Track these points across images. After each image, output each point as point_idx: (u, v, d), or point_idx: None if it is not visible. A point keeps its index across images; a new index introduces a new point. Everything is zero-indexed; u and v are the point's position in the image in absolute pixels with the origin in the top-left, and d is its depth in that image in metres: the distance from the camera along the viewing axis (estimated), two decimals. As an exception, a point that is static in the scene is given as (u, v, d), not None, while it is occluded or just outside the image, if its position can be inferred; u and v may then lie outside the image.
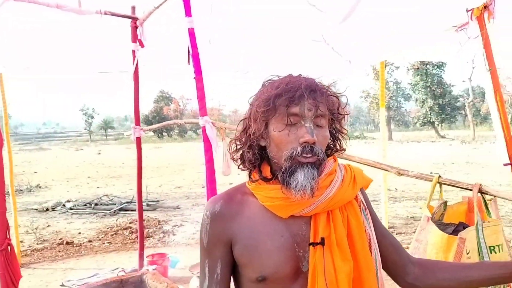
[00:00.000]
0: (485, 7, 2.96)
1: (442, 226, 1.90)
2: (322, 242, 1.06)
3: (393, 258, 1.23)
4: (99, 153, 29.11)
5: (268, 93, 1.09)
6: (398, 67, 39.81)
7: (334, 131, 1.17)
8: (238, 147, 1.19)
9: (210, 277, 1.14)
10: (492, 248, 1.80)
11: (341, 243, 1.07)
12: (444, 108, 40.26)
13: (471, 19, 3.03)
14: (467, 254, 1.74)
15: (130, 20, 4.18)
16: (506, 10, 2.95)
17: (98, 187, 12.83)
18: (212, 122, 3.30)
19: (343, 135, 1.19)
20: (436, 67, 38.66)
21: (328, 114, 1.10)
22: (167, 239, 6.63)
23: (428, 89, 39.46)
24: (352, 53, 3.19)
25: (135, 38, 4.27)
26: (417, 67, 37.96)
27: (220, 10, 4.03)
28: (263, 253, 1.07)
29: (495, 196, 1.83)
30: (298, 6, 2.78)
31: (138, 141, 4.48)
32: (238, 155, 1.20)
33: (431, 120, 40.40)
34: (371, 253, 1.12)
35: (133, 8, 4.23)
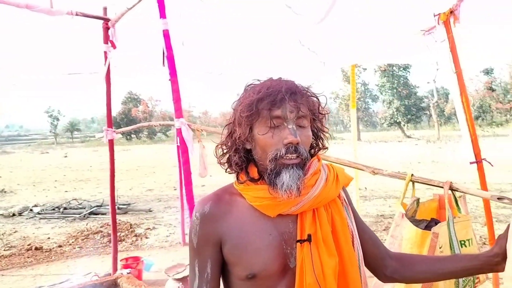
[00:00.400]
0: (451, 12, 3.08)
1: (415, 222, 1.98)
2: (309, 239, 1.10)
3: (372, 252, 1.28)
4: (66, 156, 28.44)
5: (250, 98, 1.12)
6: (365, 69, 40.59)
7: (316, 130, 1.21)
8: (225, 151, 1.22)
9: (200, 276, 1.17)
10: (462, 242, 1.89)
11: (326, 240, 1.12)
12: (410, 108, 41.35)
13: (438, 23, 3.16)
14: (440, 248, 1.82)
15: (102, 21, 4.13)
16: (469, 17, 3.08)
17: (66, 191, 12.52)
18: (187, 124, 3.30)
19: (324, 133, 1.23)
20: (402, 69, 39.69)
21: (309, 114, 1.14)
22: (140, 242, 6.55)
23: (395, 90, 40.46)
24: (326, 55, 3.27)
25: (106, 39, 4.21)
26: (383, 69, 38.86)
27: (193, 12, 4.03)
28: (253, 252, 1.11)
29: (465, 193, 1.92)
30: (273, 8, 2.82)
31: (111, 143, 4.43)
32: (225, 159, 1.23)
33: (397, 121, 41.41)
34: (353, 248, 1.17)
35: (105, 9, 4.17)
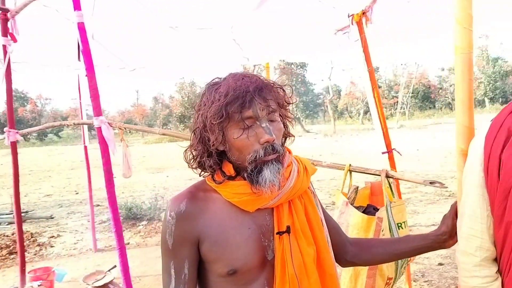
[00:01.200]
0: (363, 13, 3.31)
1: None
2: (288, 230, 1.13)
3: (335, 239, 1.35)
4: None
5: (218, 102, 1.08)
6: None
7: (282, 119, 1.20)
8: (195, 155, 1.19)
9: (177, 278, 1.13)
10: (399, 224, 2.06)
11: (304, 230, 1.16)
12: (308, 105, 43.52)
13: (352, 23, 3.37)
14: (382, 231, 1.97)
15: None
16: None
17: None
18: (108, 123, 3.13)
19: (289, 120, 1.24)
20: (299, 67, 41.53)
21: (277, 107, 1.15)
22: (45, 252, 6.06)
23: (293, 87, 41.99)
24: (250, 50, 3.30)
25: (5, 31, 3.83)
26: (283, 67, 40.26)
27: (104, 4, 3.82)
28: (233, 247, 1.10)
29: (400, 179, 2.09)
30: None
31: (13, 146, 4.04)
32: (195, 163, 1.20)
33: (297, 116, 43.25)
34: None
35: (3, -1, 3.78)
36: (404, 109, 40.44)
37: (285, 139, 1.24)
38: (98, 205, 8.34)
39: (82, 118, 5.63)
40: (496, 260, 1.20)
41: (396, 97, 40.50)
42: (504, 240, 1.14)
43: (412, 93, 40.82)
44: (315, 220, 1.20)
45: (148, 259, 5.40)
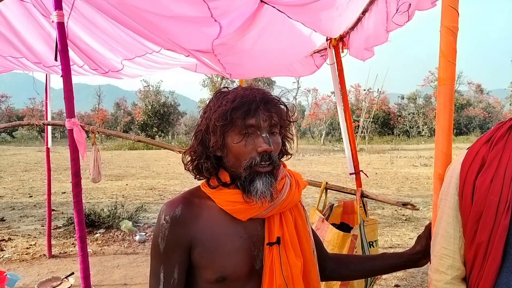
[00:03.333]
0: (341, 38, 3.43)
1: (329, 226, 2.17)
2: (278, 241, 1.16)
3: (317, 254, 1.39)
4: None
5: (224, 107, 1.13)
6: (234, 81, 41.90)
7: (282, 136, 1.25)
8: (194, 158, 1.22)
9: (166, 282, 1.14)
10: (371, 243, 2.14)
11: (293, 242, 1.20)
12: (272, 122, 43.69)
13: (329, 47, 3.49)
14: (355, 249, 2.04)
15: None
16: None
17: None
18: (81, 125, 3.07)
19: (289, 139, 1.29)
20: (266, 84, 41.91)
21: (279, 122, 1.20)
22: (-5, 255, 5.79)
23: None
24: (231, 68, 3.35)
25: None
26: (250, 83, 40.47)
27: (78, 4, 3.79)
28: (224, 254, 1.13)
29: (374, 199, 2.18)
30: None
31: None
32: (193, 166, 1.22)
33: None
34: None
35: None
36: (364, 133, 41.52)
37: (282, 156, 1.29)
38: (54, 210, 8.05)
39: (47, 119, 5.47)
40: (465, 279, 1.28)
41: (357, 121, 41.62)
42: (474, 260, 1.22)
43: (372, 118, 41.99)
44: (304, 234, 1.25)
45: (105, 268, 5.26)
